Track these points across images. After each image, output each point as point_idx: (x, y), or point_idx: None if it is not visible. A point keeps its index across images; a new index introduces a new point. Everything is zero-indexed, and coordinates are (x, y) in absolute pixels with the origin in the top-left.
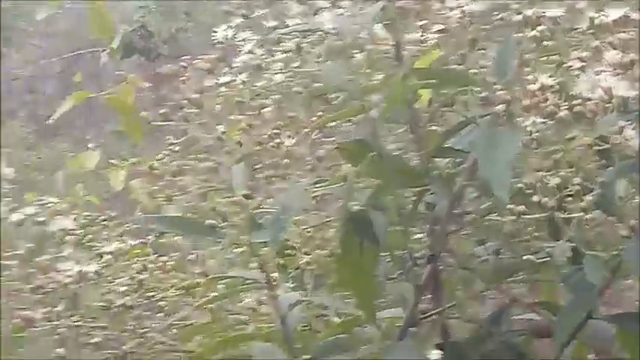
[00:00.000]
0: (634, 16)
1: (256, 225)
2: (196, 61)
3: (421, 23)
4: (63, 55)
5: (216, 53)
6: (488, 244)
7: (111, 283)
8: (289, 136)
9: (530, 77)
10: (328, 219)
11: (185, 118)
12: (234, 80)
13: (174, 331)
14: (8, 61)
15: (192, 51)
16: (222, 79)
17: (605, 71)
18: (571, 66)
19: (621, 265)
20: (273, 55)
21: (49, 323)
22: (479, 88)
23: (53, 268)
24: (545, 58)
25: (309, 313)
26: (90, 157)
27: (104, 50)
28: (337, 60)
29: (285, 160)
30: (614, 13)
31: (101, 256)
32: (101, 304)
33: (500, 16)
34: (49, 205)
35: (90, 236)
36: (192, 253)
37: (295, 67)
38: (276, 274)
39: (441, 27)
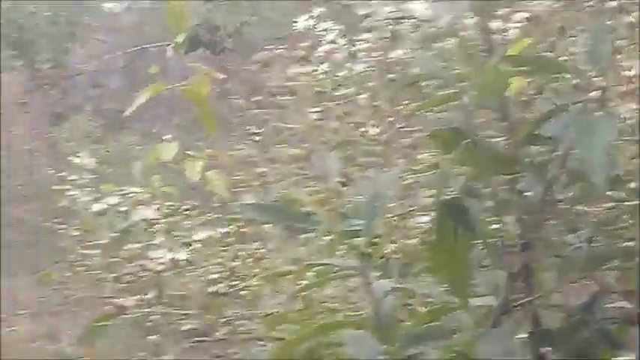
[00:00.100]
0: None
1: (350, 213)
2: (279, 51)
3: (509, 10)
4: (127, 50)
5: (285, 45)
6: (580, 232)
7: (202, 270)
8: (374, 125)
9: (624, 64)
10: (412, 208)
11: (278, 105)
12: (316, 70)
13: (265, 318)
14: (72, 56)
15: (256, 45)
16: (304, 69)
17: None
18: None
19: None
20: (354, 45)
21: (140, 311)
22: (570, 76)
23: (144, 256)
24: None
25: (397, 301)
26: (167, 148)
27: (168, 44)
28: (430, 47)
29: (376, 148)
30: None
31: (190, 245)
32: (192, 291)
33: (590, 2)
34: (131, 195)
35: (174, 225)
36: (281, 242)
37: (383, 56)
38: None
39: (530, 14)
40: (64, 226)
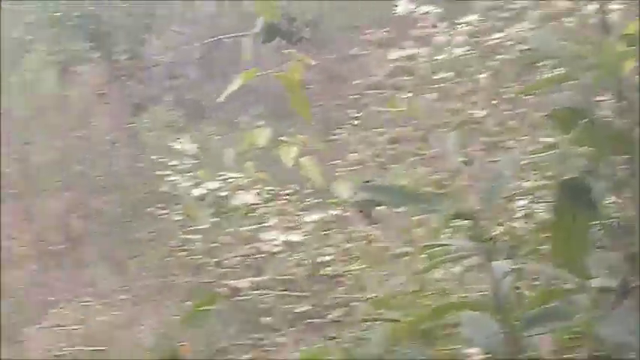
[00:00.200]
0: None
1: (467, 193)
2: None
3: None
4: (203, 41)
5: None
6: None
7: (314, 252)
8: (484, 107)
9: None
10: (516, 190)
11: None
12: (418, 53)
13: (378, 300)
14: (149, 48)
15: (332, 34)
16: (404, 53)
17: None
18: None
19: None
20: (455, 28)
21: (254, 292)
22: None
23: (256, 238)
24: None
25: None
26: (261, 134)
27: (245, 35)
28: (548, 26)
29: (493, 129)
30: None
31: (301, 227)
32: (305, 273)
33: None
34: (231, 180)
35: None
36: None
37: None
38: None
39: None
40: (165, 211)
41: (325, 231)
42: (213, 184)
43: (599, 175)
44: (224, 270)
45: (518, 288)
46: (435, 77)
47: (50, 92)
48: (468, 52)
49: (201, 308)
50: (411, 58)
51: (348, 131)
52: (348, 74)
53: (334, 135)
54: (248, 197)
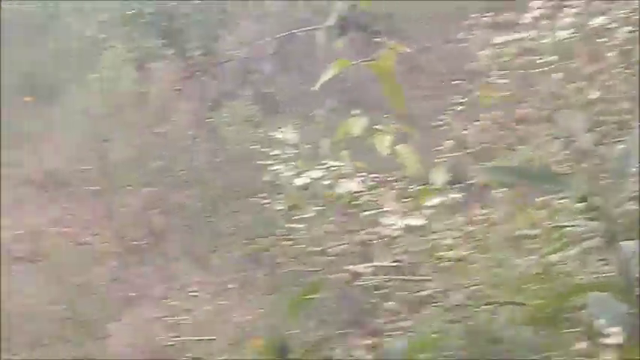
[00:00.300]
0: None
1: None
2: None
3: None
4: (276, 36)
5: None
6: None
7: (435, 236)
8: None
9: None
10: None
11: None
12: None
13: (503, 283)
14: (222, 44)
15: (404, 27)
16: (512, 36)
17: None
18: None
19: None
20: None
21: (375, 277)
22: None
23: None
24: None
25: None
26: (356, 123)
27: (319, 28)
28: None
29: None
30: None
31: (419, 212)
32: (426, 257)
33: None
34: (334, 168)
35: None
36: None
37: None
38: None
39: None
40: (268, 200)
41: (444, 215)
42: (315, 173)
43: None
44: (333, 257)
45: None
46: (541, 60)
47: (127, 89)
48: (573, 35)
49: (307, 297)
50: (516, 41)
51: (452, 116)
52: (426, 65)
53: (431, 122)
54: (351, 185)
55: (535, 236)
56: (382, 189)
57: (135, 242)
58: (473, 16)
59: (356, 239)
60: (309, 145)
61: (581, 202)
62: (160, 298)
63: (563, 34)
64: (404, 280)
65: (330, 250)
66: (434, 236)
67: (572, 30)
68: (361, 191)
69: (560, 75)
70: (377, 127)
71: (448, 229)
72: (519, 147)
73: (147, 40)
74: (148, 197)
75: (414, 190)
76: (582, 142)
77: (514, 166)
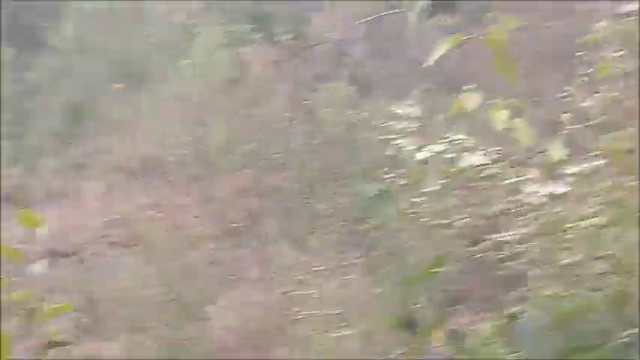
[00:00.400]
0: None
1: None
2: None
3: None
4: (366, 19)
5: None
6: None
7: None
8: None
9: None
10: None
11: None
12: None
13: None
14: (313, 27)
15: (497, 6)
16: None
17: None
18: None
19: None
20: None
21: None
22: None
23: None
24: None
25: None
26: (470, 98)
27: (408, 11)
28: None
29: None
30: None
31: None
32: (569, 224)
33: None
34: (456, 142)
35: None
36: None
37: None
38: None
39: None
40: (391, 175)
41: (585, 182)
42: (437, 147)
43: None
44: (457, 230)
45: None
46: None
47: (221, 74)
48: None
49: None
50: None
51: (571, 89)
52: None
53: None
54: (474, 159)
55: None
56: (504, 162)
57: (232, 225)
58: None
59: (486, 211)
60: (424, 121)
61: None
62: (257, 280)
63: None
64: (545, 248)
65: (455, 223)
66: (576, 204)
67: None
68: (485, 164)
69: None
70: (492, 102)
71: (591, 196)
72: None
73: (236, 25)
74: (245, 180)
75: (538, 162)
76: None
77: None
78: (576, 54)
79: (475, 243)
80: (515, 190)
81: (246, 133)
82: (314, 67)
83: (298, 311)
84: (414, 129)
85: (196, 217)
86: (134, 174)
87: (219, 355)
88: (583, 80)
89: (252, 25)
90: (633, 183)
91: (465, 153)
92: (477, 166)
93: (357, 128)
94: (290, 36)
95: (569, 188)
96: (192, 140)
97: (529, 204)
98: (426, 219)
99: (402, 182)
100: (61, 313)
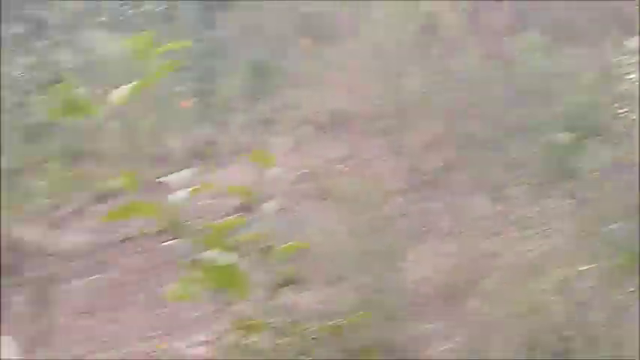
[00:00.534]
0: None
1: None
2: None
3: None
4: None
5: None
6: None
7: None
8: None
9: None
10: None
11: None
12: None
13: None
14: None
15: None
16: None
17: None
18: None
19: None
20: None
21: None
22: None
23: None
24: None
25: None
26: None
27: None
28: None
29: None
30: None
31: None
32: None
33: None
34: None
35: None
36: None
37: None
38: None
39: None
40: (625, 109)
41: None
42: None
43: None
44: None
45: None
46: None
47: (413, 24)
48: None
49: None
50: None
51: None
52: None
53: None
54: None
55: None
56: None
57: (424, 177)
58: None
59: None
60: None
61: None
62: (450, 231)
63: None
64: None
65: None
66: None
67: None
68: None
69: None
70: None
71: None
72: None
73: None
74: (438, 131)
75: None
76: None
77: None
78: None
79: None
80: None
81: (438, 84)
82: (508, 16)
83: (493, 262)
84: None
85: (387, 169)
86: (323, 128)
87: (413, 307)
88: None
89: None
90: None
91: None
92: None
93: (552, 76)
94: None
95: None
96: (383, 92)
97: None
98: None
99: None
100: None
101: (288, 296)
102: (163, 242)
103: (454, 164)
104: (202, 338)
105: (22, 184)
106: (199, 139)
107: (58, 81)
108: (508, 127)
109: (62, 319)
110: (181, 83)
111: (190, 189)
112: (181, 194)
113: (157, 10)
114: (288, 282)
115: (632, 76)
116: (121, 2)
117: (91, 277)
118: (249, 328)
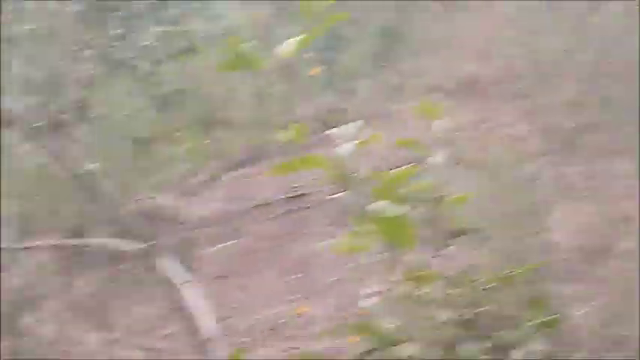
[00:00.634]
0: None
1: None
2: None
3: None
4: None
5: None
6: None
7: None
8: None
9: None
10: None
11: None
12: None
13: None
14: None
15: None
16: None
17: None
18: None
19: None
20: None
21: None
22: None
23: None
24: None
25: None
26: None
27: None
28: None
29: None
30: None
31: None
32: None
33: None
34: None
35: None
36: None
37: None
38: None
39: None
40: None
41: None
42: None
43: None
44: None
45: None
46: None
47: None
48: None
49: None
50: None
51: None
52: None
53: None
54: None
55: None
56: None
57: (562, 139)
58: None
59: None
60: None
61: None
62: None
63: None
64: None
65: None
66: None
67: None
68: None
69: None
70: None
71: None
72: None
73: None
74: (576, 92)
75: None
76: None
77: None
78: None
79: None
80: None
81: (575, 44)
82: None
83: (633, 224)
84: None
85: (522, 132)
86: (452, 94)
87: (556, 266)
88: None
89: None
90: None
91: None
92: None
93: None
94: None
95: None
96: (517, 55)
97: None
98: None
99: None
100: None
101: (457, 248)
102: (332, 195)
103: (592, 126)
104: (373, 290)
105: (157, 152)
106: (323, 107)
107: (189, 50)
108: None
109: (198, 285)
110: (309, 51)
111: (357, 141)
112: (348, 147)
113: None
114: (457, 233)
115: None
116: None
117: (225, 244)
118: (421, 279)
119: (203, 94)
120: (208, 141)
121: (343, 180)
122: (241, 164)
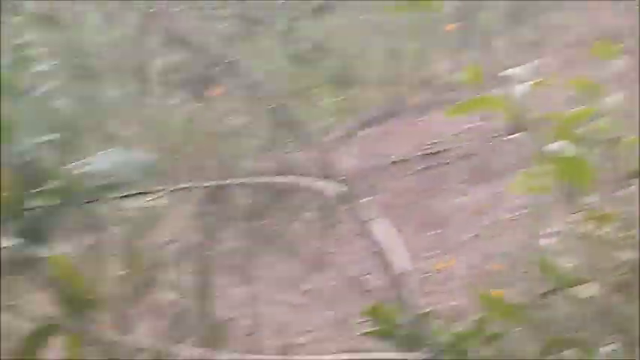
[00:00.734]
0: None
1: None
2: None
3: None
4: None
5: None
6: None
7: None
8: None
9: None
10: None
11: None
12: None
13: None
14: None
15: None
16: None
17: None
18: None
19: None
20: None
21: None
22: None
23: None
24: None
25: None
26: None
27: None
28: None
29: None
30: None
31: None
32: None
33: None
34: None
35: None
36: None
37: None
38: None
39: None
40: None
41: None
42: None
43: None
44: None
45: None
46: None
47: None
48: None
49: None
50: None
51: None
52: None
53: None
54: None
55: None
56: None
57: None
58: None
59: None
60: None
61: None
62: None
63: None
64: None
65: None
66: None
67: None
68: None
69: None
70: None
71: None
72: None
73: None
74: None
75: None
76: None
77: None
78: None
79: None
80: None
81: None
82: None
83: None
84: None
85: None
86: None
87: None
88: None
89: None
90: None
91: None
92: None
93: None
94: None
95: None
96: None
97: None
98: None
99: None
100: None
101: (634, 189)
102: (508, 135)
103: None
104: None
105: (292, 110)
106: (463, 63)
107: (322, 7)
108: None
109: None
110: (445, 6)
111: (532, 82)
112: (523, 88)
113: None
114: (634, 175)
115: None
116: None
117: (362, 200)
118: (602, 219)
119: (339, 51)
120: (344, 98)
121: (519, 120)
122: (376, 121)
